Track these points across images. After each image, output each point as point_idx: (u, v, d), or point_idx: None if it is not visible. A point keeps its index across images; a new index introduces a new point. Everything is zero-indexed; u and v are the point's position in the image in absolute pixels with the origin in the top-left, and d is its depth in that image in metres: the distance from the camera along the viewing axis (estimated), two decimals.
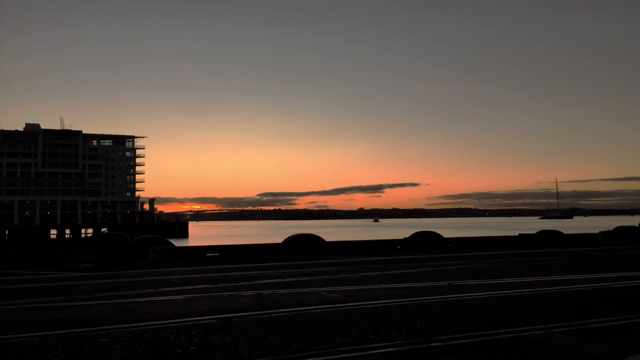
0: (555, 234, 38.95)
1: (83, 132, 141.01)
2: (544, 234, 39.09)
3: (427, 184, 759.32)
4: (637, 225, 47.70)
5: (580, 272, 18.15)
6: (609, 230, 42.96)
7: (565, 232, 41.17)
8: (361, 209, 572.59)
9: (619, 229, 43.76)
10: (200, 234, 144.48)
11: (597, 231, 42.06)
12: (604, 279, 16.19)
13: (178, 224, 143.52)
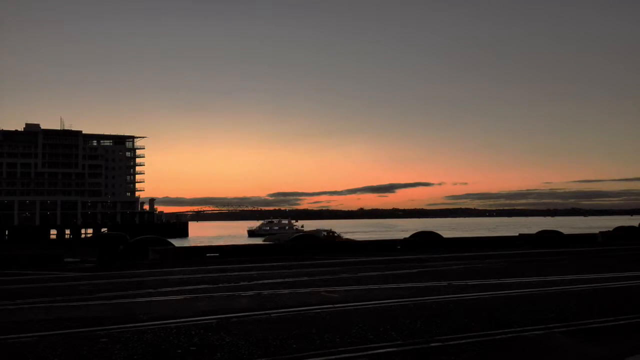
0: (555, 234, 38.97)
1: (83, 132, 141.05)
2: (544, 234, 39.11)
3: (440, 184, 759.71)
4: (637, 225, 47.72)
5: (581, 272, 18.15)
6: (609, 230, 42.98)
7: (565, 232, 41.20)
8: (361, 209, 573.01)
9: (619, 229, 43.79)
10: (200, 235, 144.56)
11: (597, 231, 42.10)
12: (604, 279, 16.19)
13: (178, 224, 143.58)
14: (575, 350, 7.94)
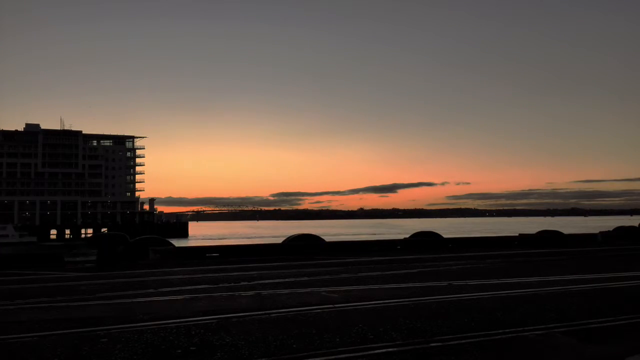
0: (555, 234, 38.96)
1: (83, 132, 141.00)
2: (544, 234, 39.10)
3: (442, 183, 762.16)
4: (637, 225, 47.70)
5: (581, 272, 18.15)
6: (609, 230, 42.95)
7: (565, 232, 41.19)
8: (361, 209, 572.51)
9: (619, 229, 43.76)
10: (200, 234, 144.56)
11: (597, 231, 42.08)
12: (604, 279, 16.19)
13: (178, 224, 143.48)
14: (575, 350, 7.94)
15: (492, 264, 22.10)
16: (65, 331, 9.42)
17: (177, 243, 38.95)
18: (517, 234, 41.34)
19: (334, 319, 10.24)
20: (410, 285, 15.40)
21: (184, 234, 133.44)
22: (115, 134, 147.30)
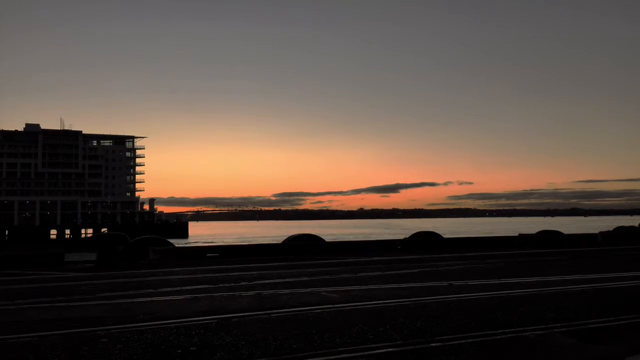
0: (555, 234, 38.94)
1: (83, 132, 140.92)
2: (544, 234, 39.09)
3: (445, 183, 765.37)
4: (637, 225, 47.69)
5: (581, 272, 18.15)
6: (609, 231, 42.94)
7: (565, 232, 41.19)
8: (361, 209, 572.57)
9: (619, 229, 43.75)
10: (200, 234, 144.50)
11: (596, 231, 42.07)
12: (604, 279, 16.19)
13: (178, 224, 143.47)
14: (576, 350, 7.94)
15: (492, 264, 22.10)
16: (65, 331, 9.42)
17: (177, 243, 38.94)
18: (517, 234, 41.33)
19: (334, 319, 10.24)
20: (411, 285, 15.40)
21: (184, 234, 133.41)
22: (115, 134, 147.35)
